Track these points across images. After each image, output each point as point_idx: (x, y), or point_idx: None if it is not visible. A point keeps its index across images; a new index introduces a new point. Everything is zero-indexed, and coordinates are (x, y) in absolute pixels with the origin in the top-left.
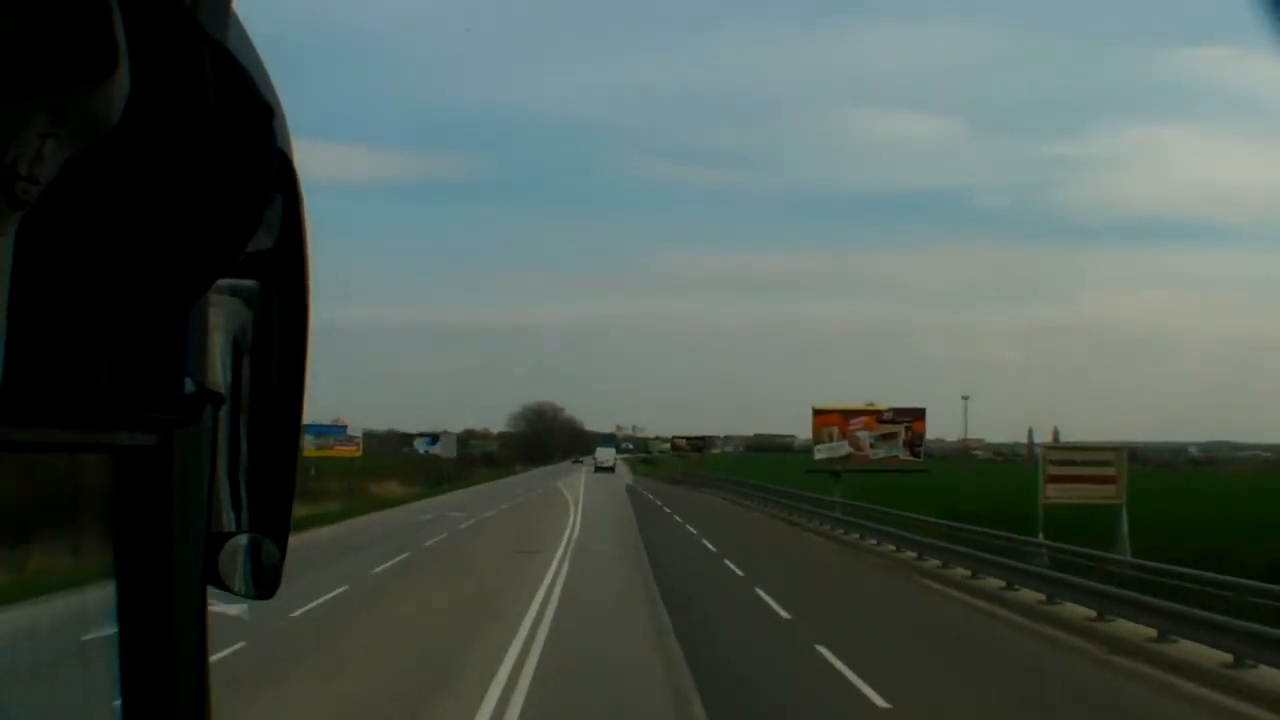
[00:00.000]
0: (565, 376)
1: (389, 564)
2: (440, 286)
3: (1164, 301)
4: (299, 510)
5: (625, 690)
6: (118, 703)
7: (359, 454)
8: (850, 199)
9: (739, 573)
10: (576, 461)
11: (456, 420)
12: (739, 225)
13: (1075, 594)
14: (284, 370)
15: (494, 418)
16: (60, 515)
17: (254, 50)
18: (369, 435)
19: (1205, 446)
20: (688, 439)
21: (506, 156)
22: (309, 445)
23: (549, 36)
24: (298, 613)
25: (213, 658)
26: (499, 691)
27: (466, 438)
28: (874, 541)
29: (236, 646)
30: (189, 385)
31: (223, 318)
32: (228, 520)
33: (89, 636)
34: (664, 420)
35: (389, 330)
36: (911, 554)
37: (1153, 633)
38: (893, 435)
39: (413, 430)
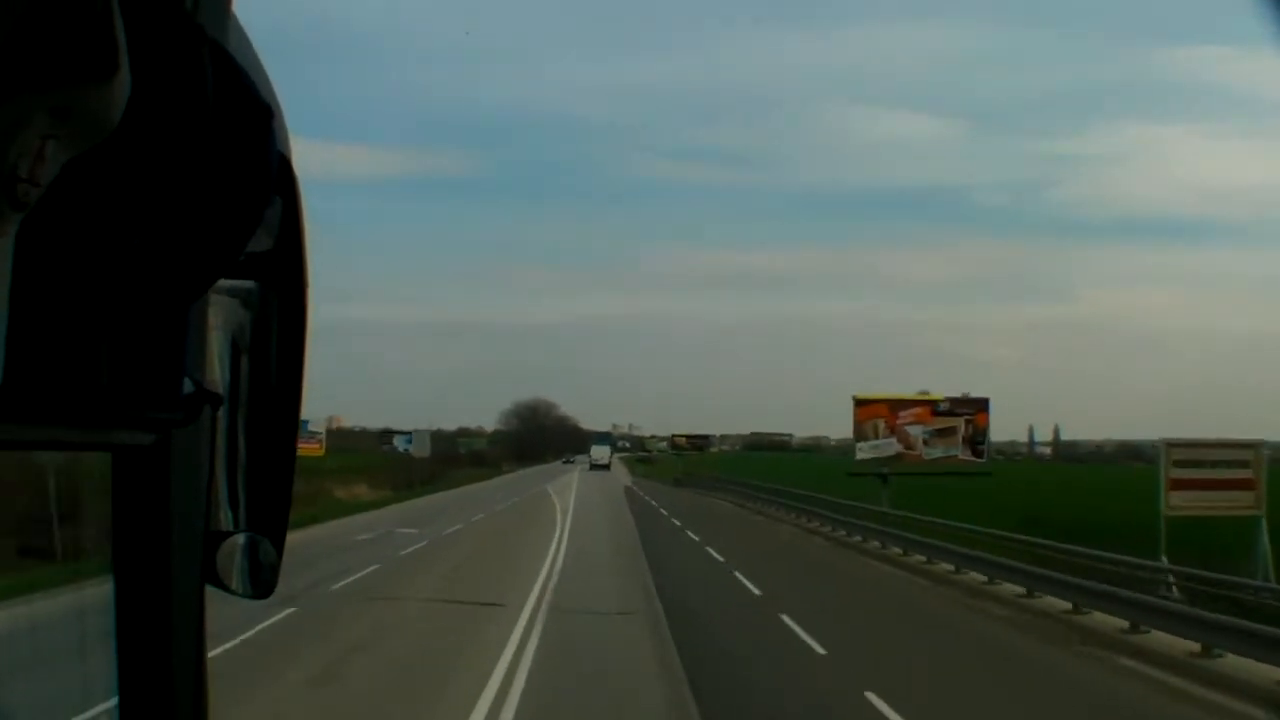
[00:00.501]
0: (561, 375)
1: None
2: (436, 284)
3: (1164, 300)
4: None
5: None
6: (115, 701)
7: (321, 452)
8: (849, 197)
9: (811, 643)
10: (568, 461)
11: (452, 418)
12: (737, 224)
13: (1241, 642)
14: (282, 370)
15: (489, 416)
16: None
17: (253, 51)
18: (346, 433)
19: None
20: (688, 437)
21: (504, 155)
22: None
23: (548, 35)
24: None
25: None
26: None
27: (454, 435)
28: (950, 567)
29: None
30: (188, 385)
31: (222, 318)
32: (225, 519)
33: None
34: (659, 419)
35: (385, 328)
36: (980, 578)
37: None
38: (950, 430)
39: (408, 428)
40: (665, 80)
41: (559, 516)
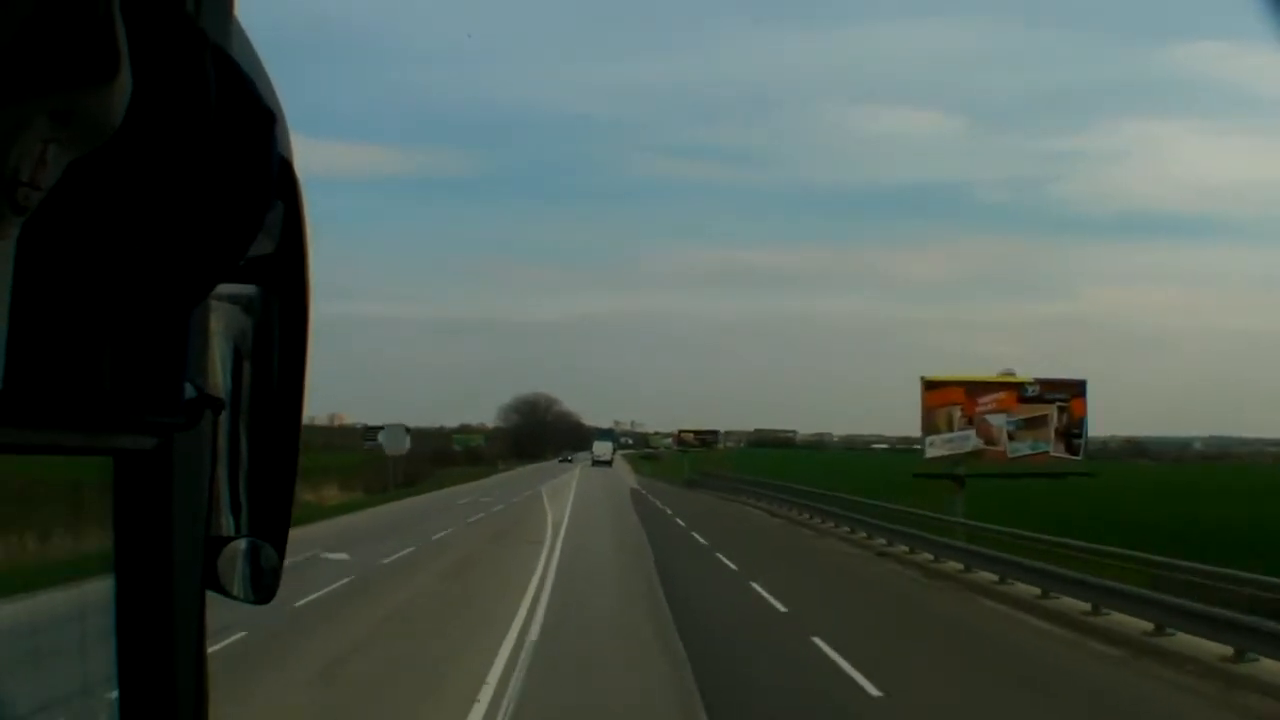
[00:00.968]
0: (563, 372)
1: None
2: (439, 282)
3: (1165, 296)
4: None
5: None
6: (116, 707)
7: None
8: (850, 195)
9: None
10: (565, 460)
11: (454, 415)
12: (738, 221)
13: None
14: (284, 375)
15: (491, 413)
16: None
17: (256, 55)
18: (349, 430)
19: (1208, 441)
20: (695, 433)
21: (506, 153)
22: None
23: (548, 34)
24: None
25: None
26: None
27: (449, 432)
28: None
29: None
30: (189, 390)
31: (223, 322)
32: (227, 524)
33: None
34: (661, 416)
35: (389, 325)
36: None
37: None
38: (1040, 420)
39: (407, 424)
40: (666, 79)
41: (548, 534)
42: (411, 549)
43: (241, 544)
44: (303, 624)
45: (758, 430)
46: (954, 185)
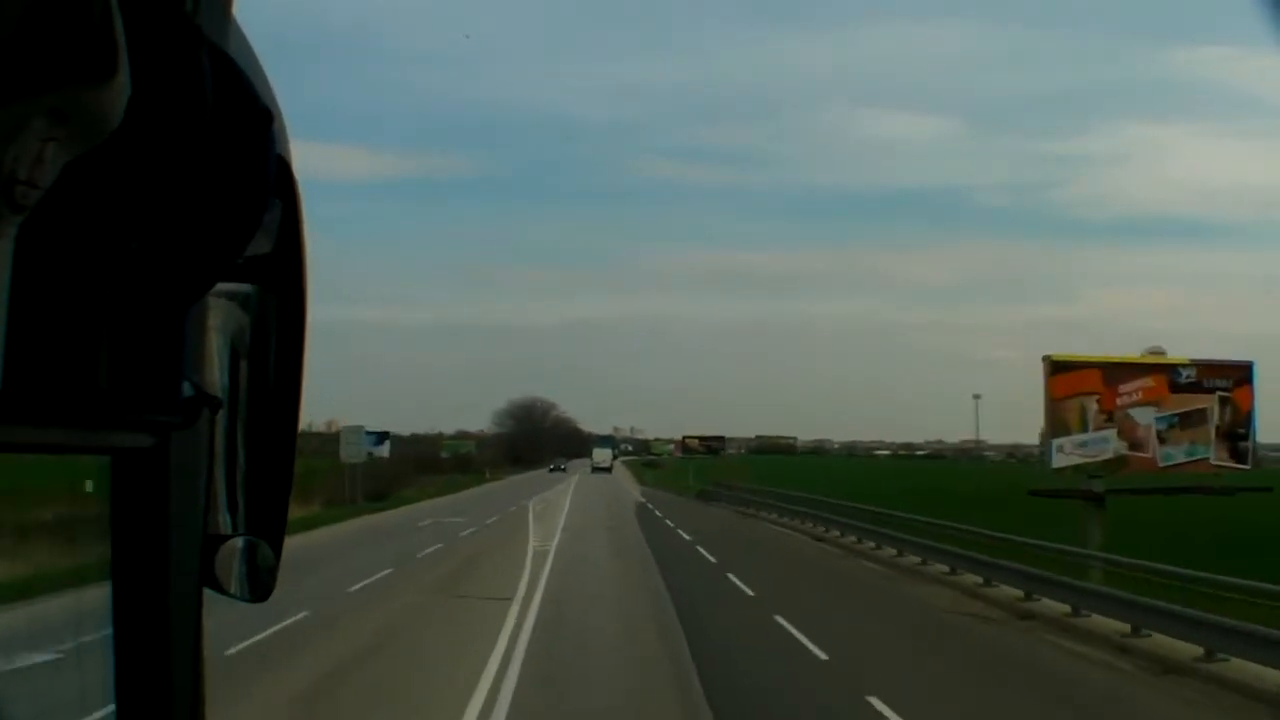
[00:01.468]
0: (562, 377)
1: None
2: (437, 286)
3: (1164, 299)
4: None
5: None
6: (112, 705)
7: None
8: (850, 198)
9: None
10: (556, 469)
11: (450, 421)
12: (738, 224)
13: None
14: (281, 374)
15: (488, 418)
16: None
17: (253, 54)
18: (319, 436)
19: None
20: (700, 439)
21: (505, 155)
22: None
23: (548, 36)
24: None
25: None
26: None
27: (447, 438)
28: None
29: None
30: (187, 388)
31: (221, 321)
32: (224, 523)
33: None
34: (661, 422)
35: (386, 329)
36: None
37: None
38: (1198, 416)
39: (406, 430)
40: (665, 80)
41: (524, 579)
42: (301, 617)
43: (239, 542)
44: None
45: (759, 437)
46: (954, 188)
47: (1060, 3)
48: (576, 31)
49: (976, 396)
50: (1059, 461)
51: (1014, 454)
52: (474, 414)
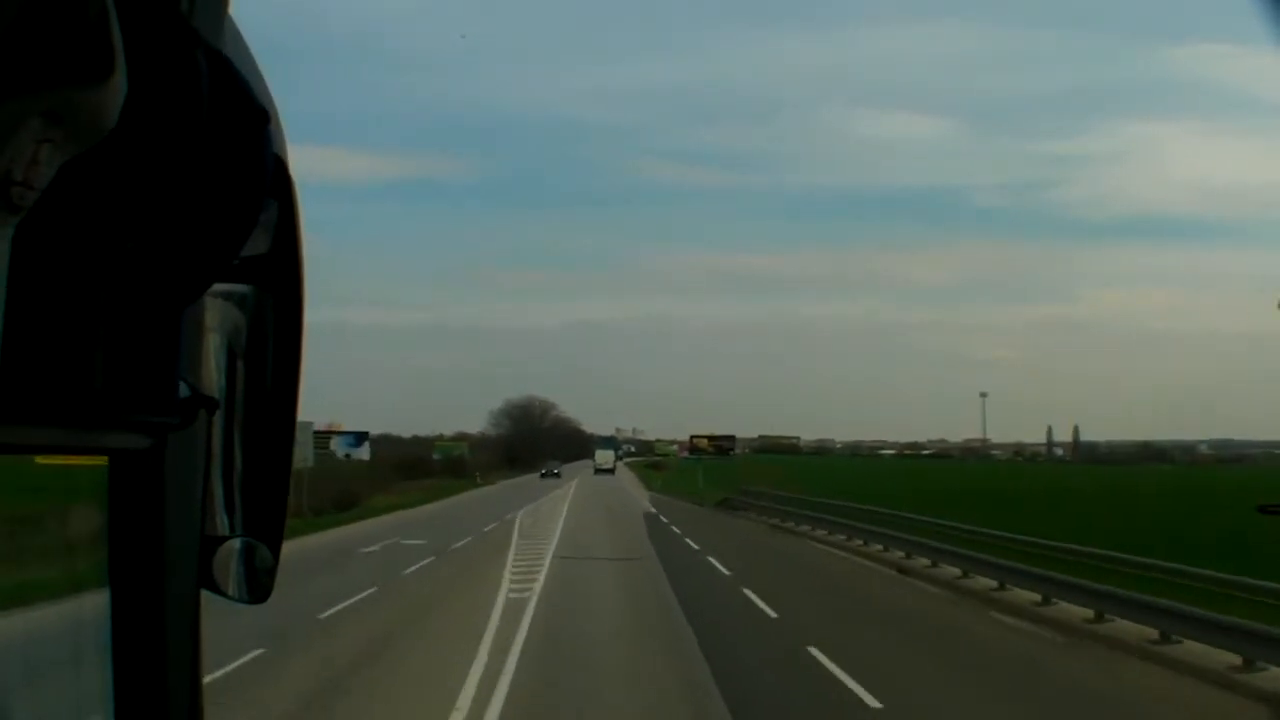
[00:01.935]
0: (563, 378)
1: None
2: (437, 288)
3: (1164, 299)
4: None
5: None
6: (111, 706)
7: None
8: (850, 198)
9: None
10: (548, 475)
11: (450, 423)
12: (739, 225)
13: None
14: (278, 375)
15: (485, 419)
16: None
17: (250, 55)
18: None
19: (1212, 445)
20: (709, 438)
21: (504, 157)
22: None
23: (544, 37)
24: None
25: None
26: None
27: (448, 441)
28: None
29: None
30: (183, 389)
31: (217, 321)
32: (221, 524)
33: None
34: (663, 423)
35: (386, 332)
36: None
37: None
38: None
39: (405, 433)
40: (665, 82)
41: (471, 679)
42: None
43: (236, 544)
44: None
45: (761, 437)
46: (954, 188)
47: (1060, 3)
48: (576, 33)
49: (983, 395)
50: None
51: (1020, 453)
52: (476, 416)
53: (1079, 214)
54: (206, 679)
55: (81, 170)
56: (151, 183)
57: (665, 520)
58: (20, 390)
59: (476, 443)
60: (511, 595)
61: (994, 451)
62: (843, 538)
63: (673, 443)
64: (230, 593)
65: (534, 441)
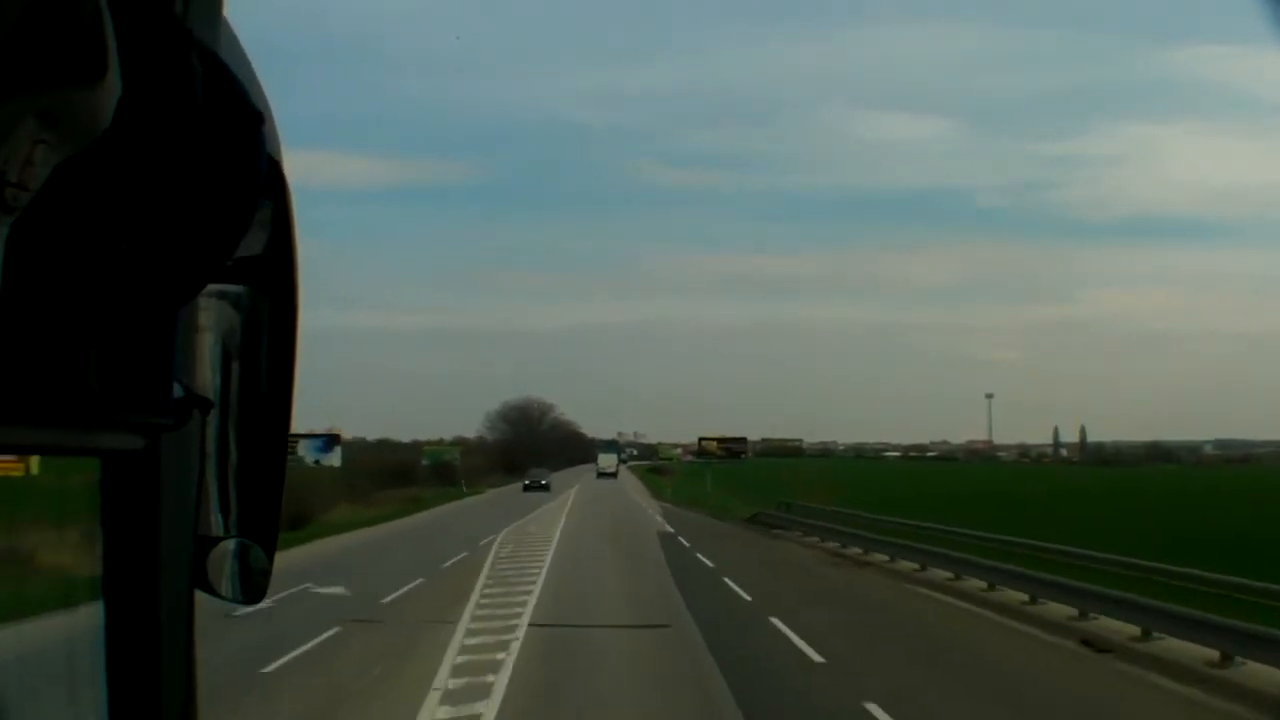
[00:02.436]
0: (564, 382)
1: None
2: (439, 291)
3: (1164, 300)
4: None
5: None
6: (104, 706)
7: None
8: (851, 200)
9: None
10: (534, 486)
11: (451, 427)
12: (739, 226)
13: None
14: (273, 375)
15: (480, 423)
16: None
17: (244, 56)
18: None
19: (1216, 444)
20: (719, 441)
21: (505, 159)
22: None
23: (543, 39)
24: None
25: None
26: None
27: (438, 444)
28: None
29: None
30: (177, 390)
31: (211, 322)
32: (216, 525)
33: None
34: (665, 427)
35: (386, 337)
36: None
37: None
38: None
39: (405, 437)
40: (665, 84)
41: None
42: None
43: (231, 545)
44: None
45: (764, 439)
46: (954, 189)
47: (1060, 3)
48: (576, 34)
49: (989, 396)
50: None
51: (1025, 454)
52: (475, 420)
53: (1079, 214)
54: None
55: (75, 171)
56: (145, 183)
57: (687, 544)
58: (13, 391)
59: (472, 447)
60: None
61: (999, 453)
62: (948, 575)
63: (675, 446)
64: (225, 593)
65: (532, 445)
